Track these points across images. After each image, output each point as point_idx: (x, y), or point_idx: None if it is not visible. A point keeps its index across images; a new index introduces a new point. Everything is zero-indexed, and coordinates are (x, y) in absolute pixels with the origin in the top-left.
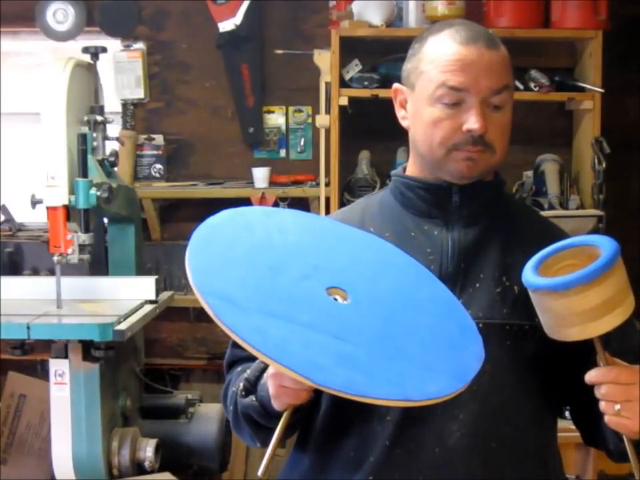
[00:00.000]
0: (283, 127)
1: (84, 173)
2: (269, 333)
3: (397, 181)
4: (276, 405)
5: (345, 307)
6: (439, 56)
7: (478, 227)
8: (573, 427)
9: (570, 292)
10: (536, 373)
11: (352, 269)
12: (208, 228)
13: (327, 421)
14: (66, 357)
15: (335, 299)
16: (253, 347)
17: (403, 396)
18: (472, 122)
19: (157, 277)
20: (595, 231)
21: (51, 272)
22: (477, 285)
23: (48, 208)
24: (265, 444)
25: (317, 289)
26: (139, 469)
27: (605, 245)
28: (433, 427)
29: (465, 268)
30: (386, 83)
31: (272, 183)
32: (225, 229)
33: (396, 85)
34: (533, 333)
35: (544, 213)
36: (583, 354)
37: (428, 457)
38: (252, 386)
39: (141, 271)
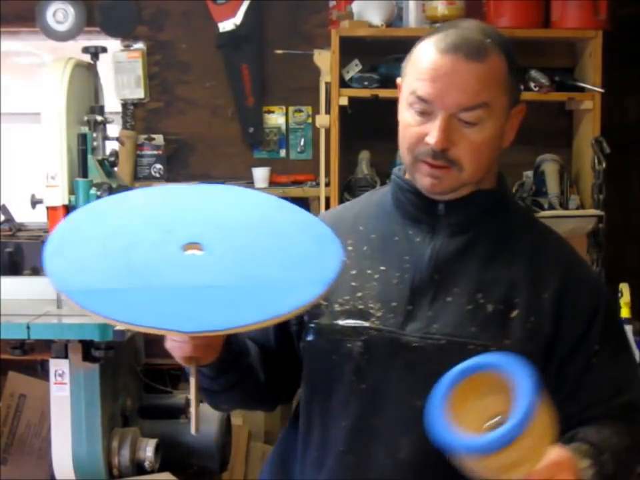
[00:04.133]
0: (283, 127)
1: (84, 173)
2: (127, 302)
3: (394, 180)
4: (180, 362)
5: (199, 257)
6: (418, 61)
7: (463, 237)
8: None
9: (481, 455)
10: None
11: (207, 224)
12: (60, 230)
13: (302, 415)
14: (66, 356)
15: (193, 254)
16: (112, 319)
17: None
18: (431, 136)
19: None
20: (594, 230)
21: None
22: (449, 299)
23: (48, 208)
24: (209, 403)
25: (172, 250)
26: (139, 468)
27: (520, 394)
28: (384, 438)
29: (439, 279)
30: (386, 83)
31: (272, 183)
32: (78, 226)
33: (398, 80)
34: None
35: (544, 213)
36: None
37: (378, 468)
38: None
39: None
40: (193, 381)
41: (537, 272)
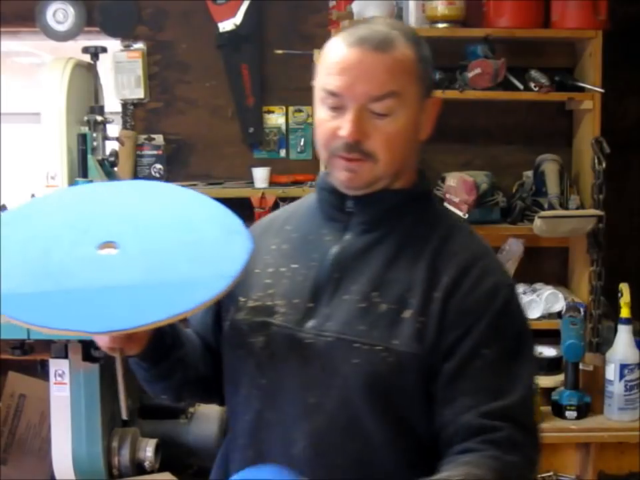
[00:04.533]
0: (283, 127)
1: (84, 173)
2: (41, 305)
3: (317, 180)
4: (106, 352)
5: (112, 257)
6: (327, 58)
7: (371, 235)
8: (573, 426)
9: None
10: (389, 396)
11: (123, 223)
12: None
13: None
14: (66, 356)
15: (107, 253)
16: (22, 322)
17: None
18: (343, 129)
19: None
20: (594, 230)
21: None
22: (346, 297)
23: None
24: (149, 392)
25: (87, 251)
26: (139, 468)
27: None
28: (280, 433)
29: (339, 278)
30: None
31: (272, 183)
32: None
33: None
34: (386, 354)
35: (544, 213)
36: (434, 394)
37: (274, 463)
38: None
39: None
40: (118, 369)
41: (434, 272)
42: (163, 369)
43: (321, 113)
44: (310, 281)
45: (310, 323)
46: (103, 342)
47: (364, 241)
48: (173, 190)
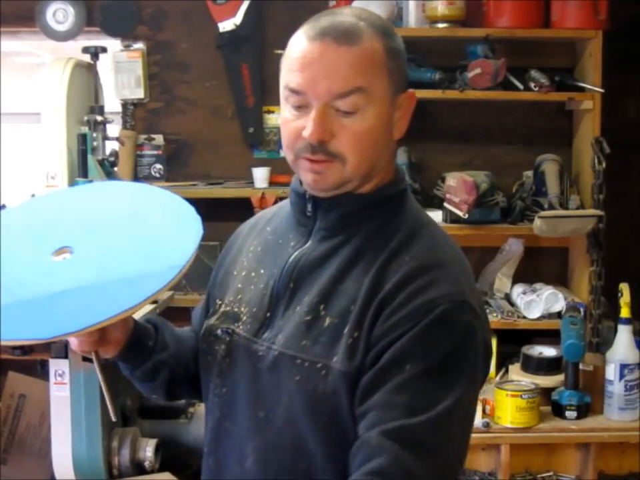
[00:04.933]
0: None
1: (84, 173)
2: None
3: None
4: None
5: (67, 261)
6: (289, 53)
7: (329, 242)
8: (573, 426)
9: None
10: (330, 416)
11: (77, 226)
12: None
13: None
14: (66, 356)
15: (63, 258)
16: None
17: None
18: (307, 129)
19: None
20: (595, 230)
21: None
22: (297, 309)
23: None
24: (143, 392)
25: (43, 259)
26: (139, 468)
27: None
28: (236, 445)
29: (294, 288)
30: None
31: (272, 183)
32: None
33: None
34: (325, 372)
35: (544, 213)
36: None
37: (230, 474)
38: None
39: None
40: (97, 371)
41: (378, 283)
42: (146, 371)
43: (285, 112)
44: (269, 290)
45: (265, 335)
46: (74, 346)
47: (322, 248)
48: (130, 187)
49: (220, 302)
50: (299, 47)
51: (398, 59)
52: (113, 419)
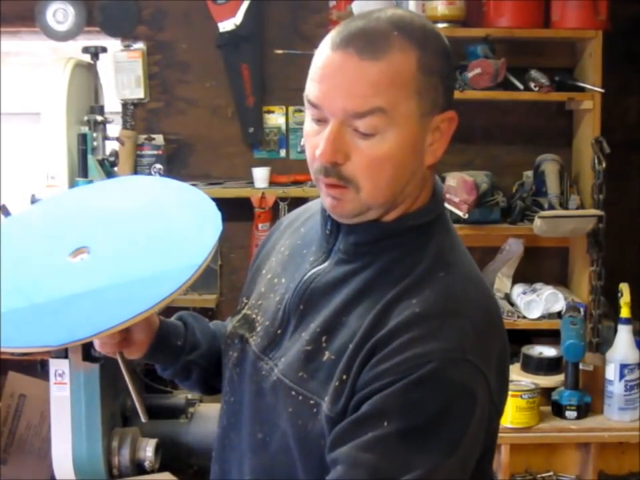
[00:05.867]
0: (283, 127)
1: (84, 173)
2: (11, 323)
3: None
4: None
5: (84, 262)
6: (314, 59)
7: (345, 267)
8: (573, 426)
9: None
10: (319, 453)
11: (95, 224)
12: None
13: None
14: (66, 356)
15: (80, 259)
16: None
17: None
18: (319, 148)
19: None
20: (595, 230)
21: None
22: (302, 334)
23: None
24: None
25: (59, 259)
26: (139, 468)
27: None
28: (238, 457)
29: (303, 310)
30: None
31: (272, 183)
32: None
33: None
34: (317, 411)
35: (544, 213)
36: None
37: None
38: None
39: None
40: (124, 372)
41: (376, 325)
42: (176, 371)
43: (307, 125)
44: (283, 305)
45: (274, 353)
46: (98, 346)
47: (337, 272)
48: (150, 181)
49: (246, 301)
50: (322, 55)
51: (434, 76)
52: (143, 420)
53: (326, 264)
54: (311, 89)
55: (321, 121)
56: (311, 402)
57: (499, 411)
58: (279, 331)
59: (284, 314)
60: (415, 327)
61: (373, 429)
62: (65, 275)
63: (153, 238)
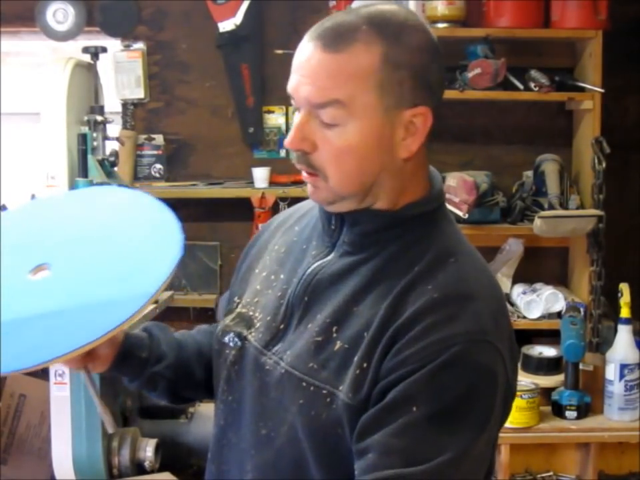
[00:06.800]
0: (283, 127)
1: (84, 172)
2: None
3: None
4: None
5: (43, 281)
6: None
7: (351, 259)
8: (573, 426)
9: None
10: (333, 443)
11: (60, 240)
12: None
13: None
14: None
15: (40, 277)
16: None
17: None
18: (288, 136)
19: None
20: (595, 230)
21: None
22: (309, 325)
23: None
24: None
25: (21, 276)
26: (139, 468)
27: None
28: (237, 458)
29: (308, 302)
30: None
31: (272, 183)
32: None
33: None
34: (330, 400)
35: (544, 213)
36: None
37: None
38: None
39: None
40: (89, 386)
41: (394, 311)
42: (142, 383)
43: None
44: (285, 300)
45: (277, 347)
46: (62, 363)
47: (342, 264)
48: (121, 195)
49: (238, 300)
50: (299, 47)
51: (402, 71)
52: (110, 431)
53: (330, 256)
54: (289, 80)
55: (297, 110)
56: (324, 392)
57: (513, 392)
58: (282, 325)
59: (287, 307)
60: (434, 312)
61: (402, 415)
62: (23, 294)
63: (113, 260)
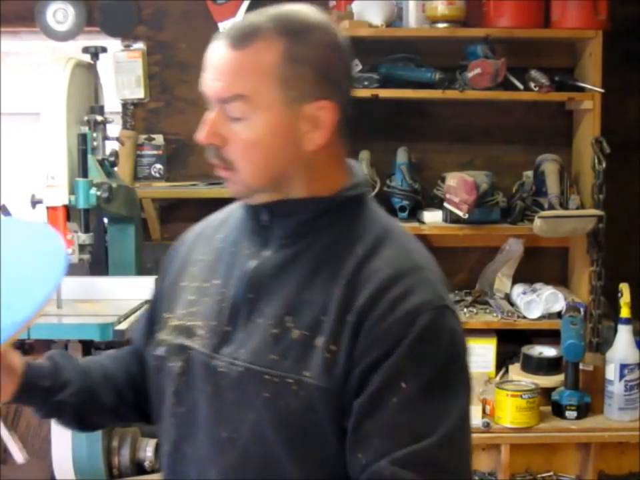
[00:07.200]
0: None
1: (84, 173)
2: None
3: None
4: None
5: None
6: None
7: (288, 250)
8: (573, 426)
9: None
10: (303, 433)
11: None
12: None
13: None
14: None
15: None
16: None
17: None
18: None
19: (157, 276)
20: (595, 230)
21: None
22: (259, 321)
23: (48, 208)
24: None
25: None
26: (139, 468)
27: None
28: (196, 469)
29: (254, 299)
30: (386, 83)
31: None
32: None
33: None
34: (297, 388)
35: (543, 213)
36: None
37: None
38: None
39: (141, 271)
40: None
41: (351, 291)
42: (46, 412)
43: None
44: (228, 301)
45: (226, 349)
46: None
47: (281, 256)
48: (11, 225)
49: (169, 315)
50: (210, 47)
51: (301, 66)
52: (19, 462)
53: (267, 252)
54: (203, 77)
55: (210, 107)
56: (289, 380)
57: (467, 350)
58: (228, 327)
59: (231, 309)
60: (393, 288)
61: (394, 394)
62: None
63: None
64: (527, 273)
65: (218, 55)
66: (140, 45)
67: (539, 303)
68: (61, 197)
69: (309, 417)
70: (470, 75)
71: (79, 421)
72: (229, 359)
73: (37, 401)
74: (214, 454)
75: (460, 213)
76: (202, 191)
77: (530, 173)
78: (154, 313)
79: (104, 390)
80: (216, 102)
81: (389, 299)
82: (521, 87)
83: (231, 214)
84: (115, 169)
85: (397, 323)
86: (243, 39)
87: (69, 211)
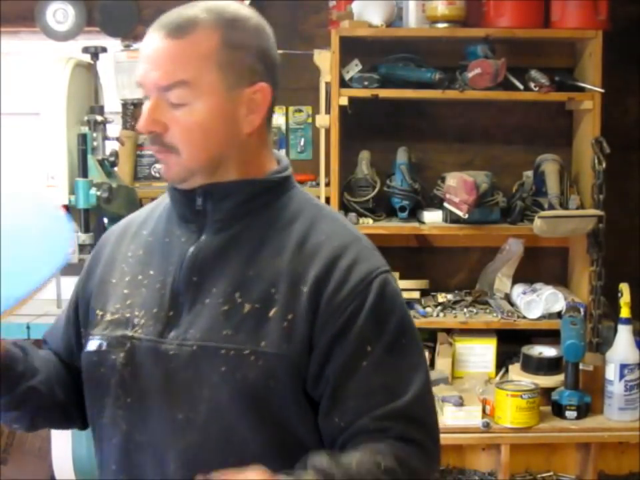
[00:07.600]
0: (283, 127)
1: (84, 173)
2: None
3: None
4: None
5: None
6: None
7: (227, 233)
8: (573, 426)
9: None
10: (262, 401)
11: None
12: None
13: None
14: None
15: None
16: None
17: None
18: (140, 121)
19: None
20: (595, 230)
21: None
22: (207, 301)
23: None
24: (3, 422)
25: None
26: None
27: None
28: (152, 455)
29: (198, 281)
30: (386, 83)
31: None
32: None
33: None
34: (255, 358)
35: (543, 213)
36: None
37: None
38: None
39: None
40: None
41: (300, 264)
42: (13, 398)
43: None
44: (168, 288)
45: (172, 333)
46: None
47: (221, 239)
48: (34, 199)
49: (101, 312)
50: (144, 39)
51: (238, 51)
52: None
53: (204, 237)
54: (138, 71)
55: (147, 98)
56: (246, 352)
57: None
58: (171, 312)
59: (172, 295)
60: (343, 257)
61: (362, 359)
62: None
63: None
64: (527, 273)
65: (155, 46)
66: (140, 45)
67: (539, 303)
68: (60, 197)
69: (269, 385)
70: (470, 75)
71: (35, 414)
72: (178, 342)
73: (8, 385)
74: (171, 437)
75: (460, 213)
76: None
77: (530, 173)
78: (78, 313)
79: (56, 384)
80: (154, 91)
81: (341, 268)
82: (521, 87)
83: (155, 209)
84: (115, 169)
85: (354, 289)
86: (181, 28)
87: (69, 211)
